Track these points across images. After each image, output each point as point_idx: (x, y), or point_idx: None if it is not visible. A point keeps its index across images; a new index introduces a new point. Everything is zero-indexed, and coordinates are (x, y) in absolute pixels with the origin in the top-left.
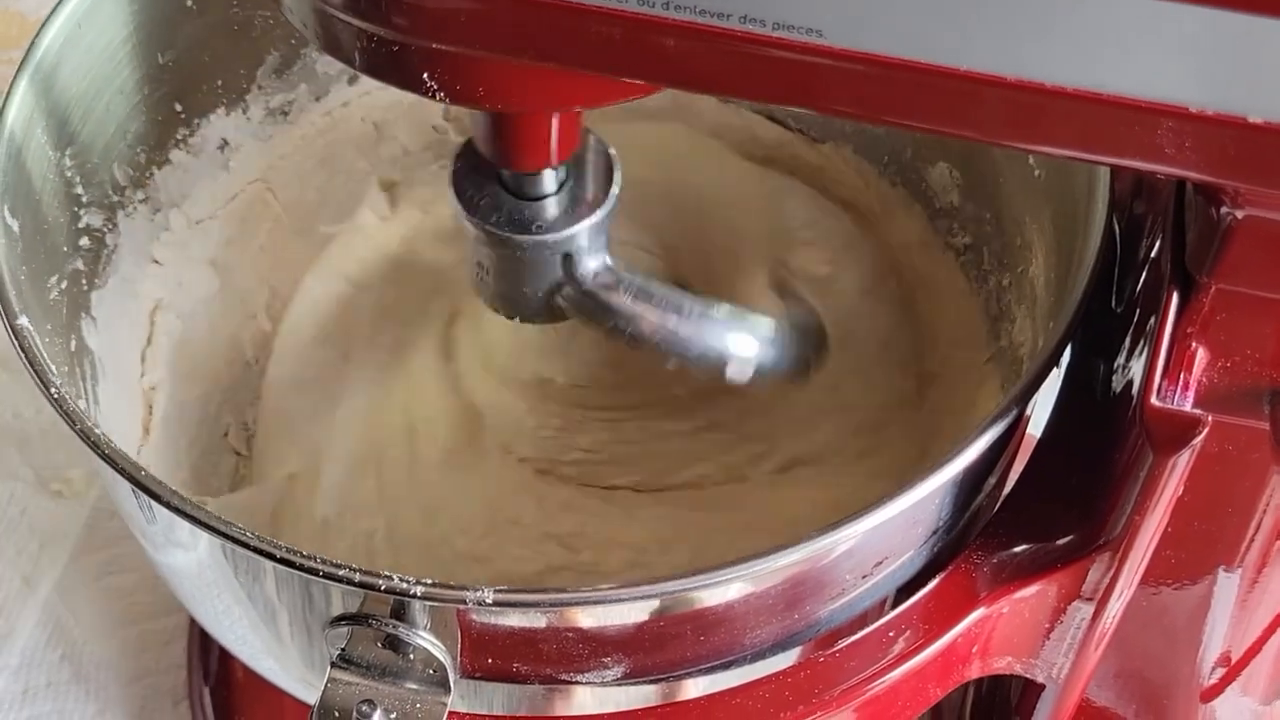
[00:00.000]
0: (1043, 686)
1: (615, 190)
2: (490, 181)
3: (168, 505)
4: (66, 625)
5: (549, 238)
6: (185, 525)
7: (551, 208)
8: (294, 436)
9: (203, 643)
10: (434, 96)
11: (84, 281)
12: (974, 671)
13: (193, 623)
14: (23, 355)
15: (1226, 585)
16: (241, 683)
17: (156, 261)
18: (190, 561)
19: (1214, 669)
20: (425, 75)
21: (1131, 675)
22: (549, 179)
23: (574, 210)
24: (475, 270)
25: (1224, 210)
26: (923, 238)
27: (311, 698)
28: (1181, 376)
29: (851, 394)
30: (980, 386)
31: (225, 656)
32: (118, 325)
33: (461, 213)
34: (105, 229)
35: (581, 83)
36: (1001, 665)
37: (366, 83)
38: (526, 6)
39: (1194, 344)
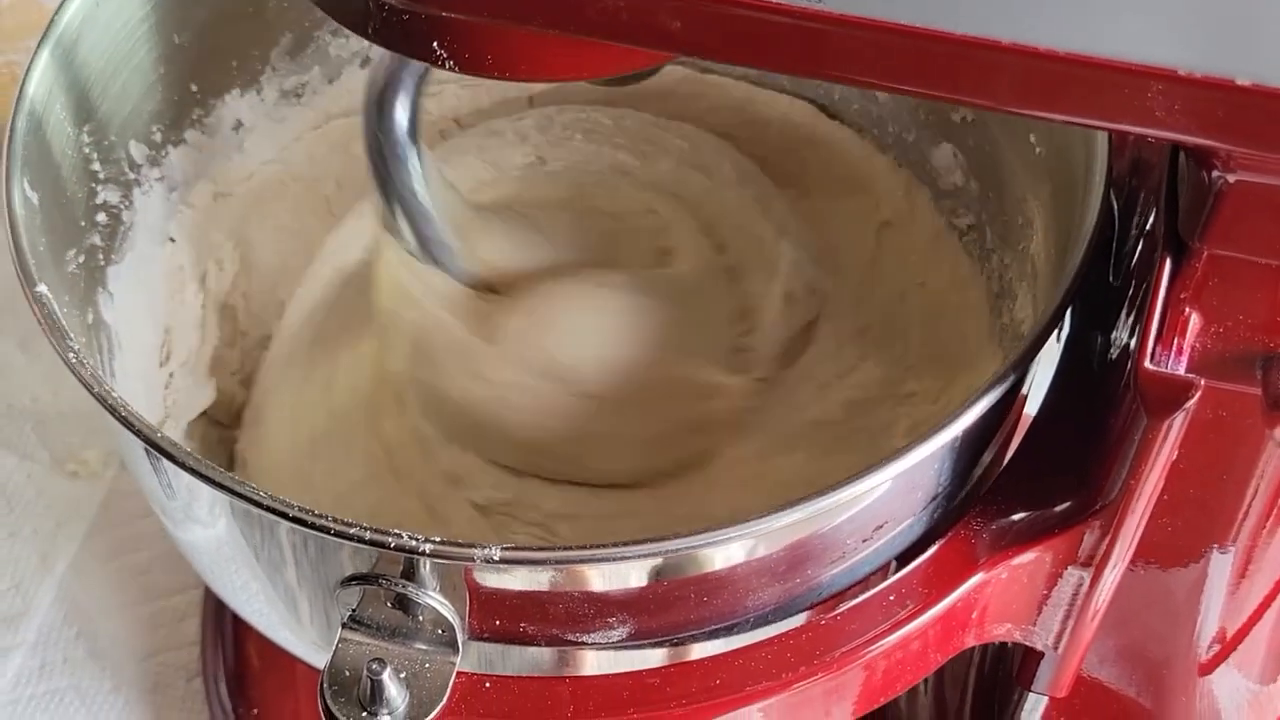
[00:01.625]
0: (1042, 655)
1: None
2: None
3: (181, 465)
4: (82, 603)
5: None
6: (203, 495)
7: None
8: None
9: (216, 620)
10: (444, 65)
11: (101, 257)
12: (973, 638)
13: (206, 600)
14: (43, 321)
15: (1222, 560)
16: (254, 659)
17: (172, 240)
18: (209, 536)
19: (1211, 645)
20: (435, 44)
21: (1130, 651)
22: None
23: None
24: None
25: (1215, 174)
26: (930, 221)
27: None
28: (1175, 341)
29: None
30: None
31: (238, 633)
32: (134, 301)
33: None
34: (122, 206)
35: (590, 51)
36: (1001, 632)
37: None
38: None
39: (1187, 309)
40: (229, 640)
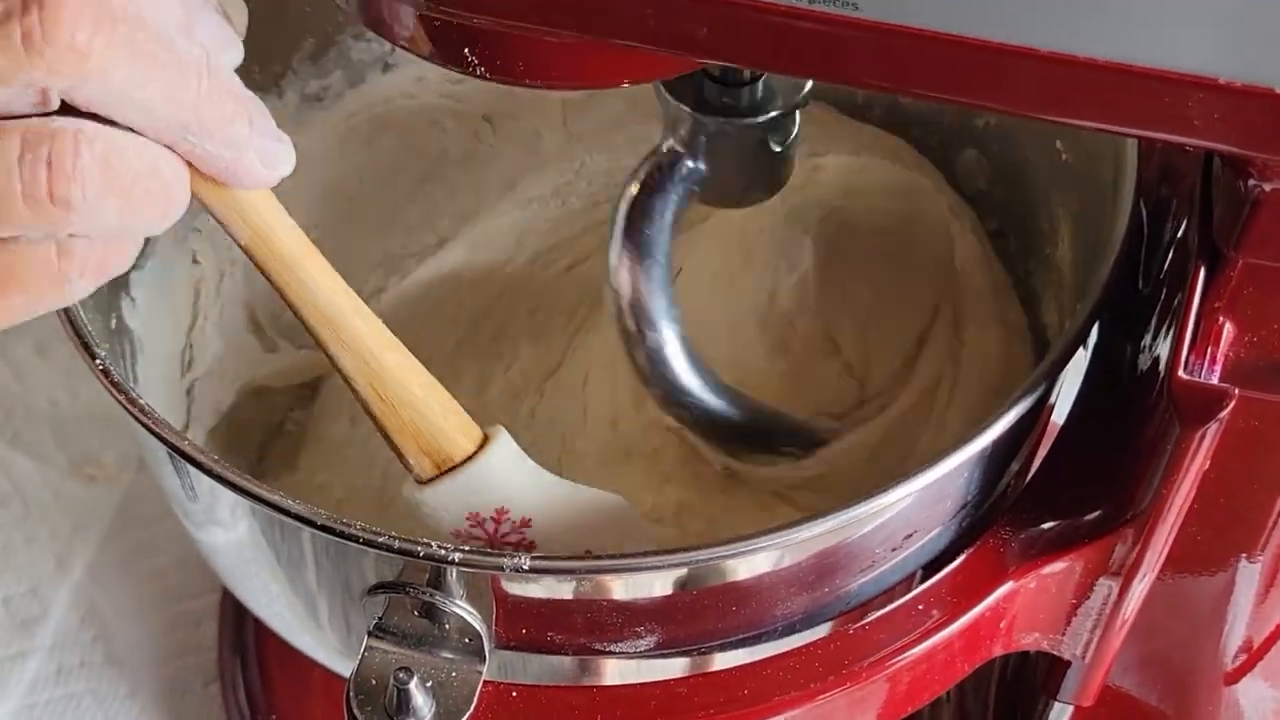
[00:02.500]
0: (1068, 664)
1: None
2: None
3: (208, 472)
4: (99, 607)
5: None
6: (226, 499)
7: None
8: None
9: (234, 624)
10: (475, 73)
11: None
12: (1001, 647)
13: (224, 604)
14: (68, 326)
15: (1249, 570)
16: (272, 663)
17: (197, 260)
18: (230, 539)
19: (1237, 655)
20: (466, 50)
21: (1155, 660)
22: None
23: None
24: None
25: (1251, 183)
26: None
27: (347, 670)
28: (1209, 350)
29: None
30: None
31: (256, 637)
32: (157, 306)
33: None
34: None
35: (622, 58)
36: (1029, 641)
37: (401, 71)
38: None
39: (1221, 318)
40: (247, 645)
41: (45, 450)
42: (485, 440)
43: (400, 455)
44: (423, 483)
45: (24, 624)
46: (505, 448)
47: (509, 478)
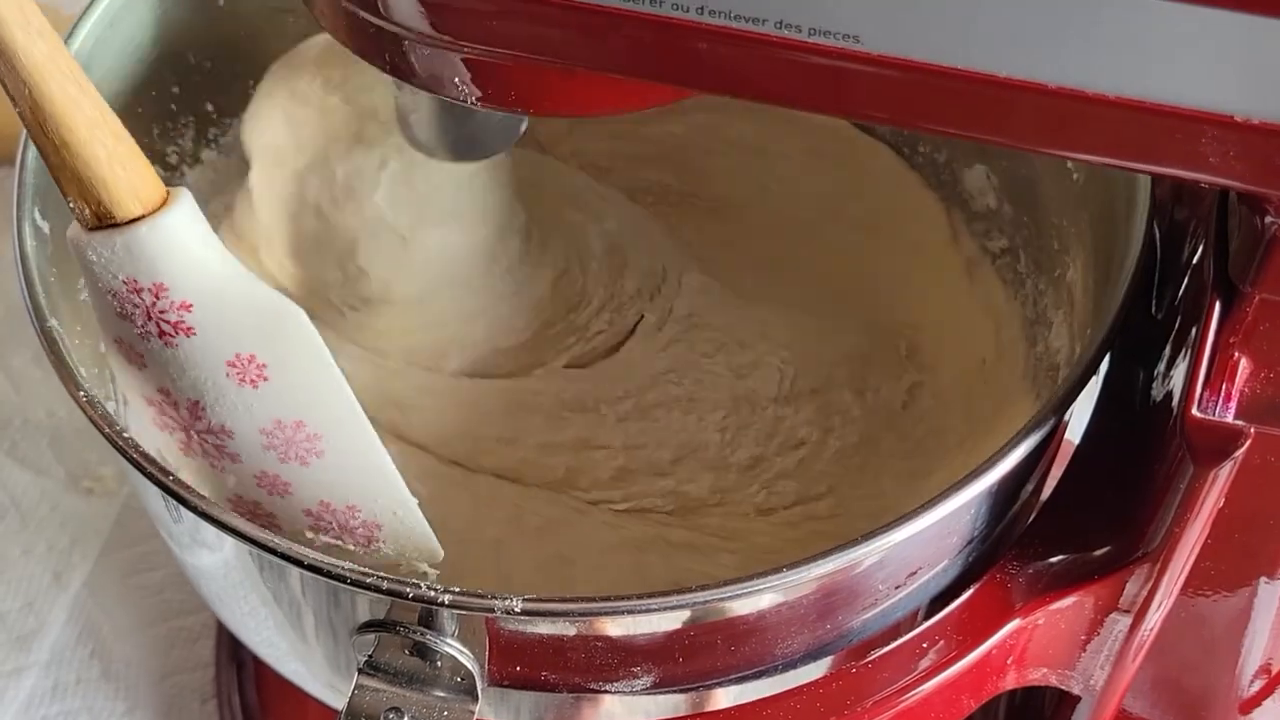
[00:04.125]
0: (1078, 698)
1: None
2: None
3: (194, 509)
4: (96, 622)
5: None
6: (209, 530)
7: None
8: None
9: (231, 641)
10: (464, 100)
11: None
12: (1009, 683)
13: (220, 621)
14: (52, 358)
15: (1267, 596)
16: (269, 681)
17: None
18: (216, 562)
19: (1253, 680)
20: (456, 79)
21: (1168, 685)
22: None
23: None
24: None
25: (1269, 220)
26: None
27: (337, 703)
28: (1223, 387)
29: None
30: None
31: (253, 655)
32: None
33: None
34: None
35: (614, 87)
36: (1037, 677)
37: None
38: (558, 10)
39: (1236, 354)
40: (243, 662)
41: (43, 463)
42: (162, 205)
43: (62, 192)
44: (85, 229)
45: (21, 639)
46: (174, 220)
47: (172, 256)
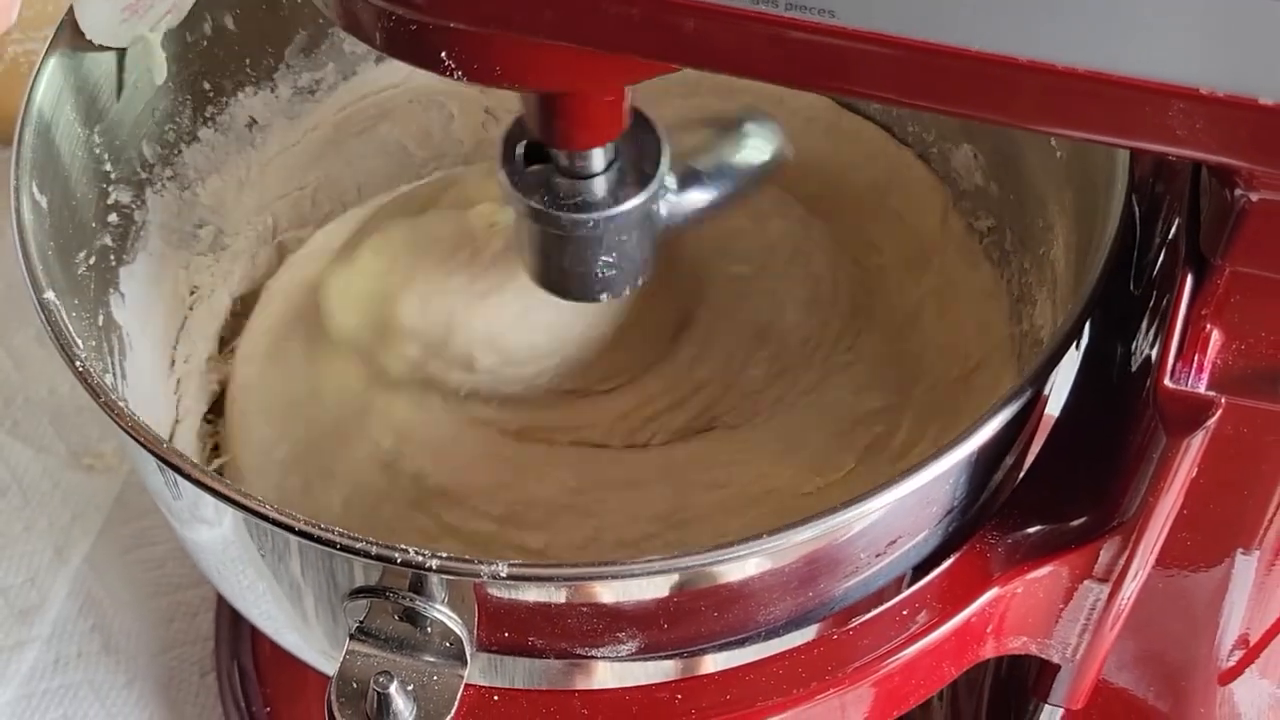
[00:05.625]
0: (1058, 667)
1: (663, 168)
2: (540, 159)
3: (189, 478)
4: (97, 596)
5: (592, 216)
6: (209, 500)
7: (599, 186)
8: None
9: (231, 614)
10: (452, 75)
11: (112, 257)
12: (989, 650)
13: (220, 595)
14: (49, 329)
15: (1245, 567)
16: (268, 654)
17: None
18: (215, 536)
19: (1232, 651)
20: (443, 54)
21: (1149, 657)
22: (597, 157)
23: (620, 189)
24: (520, 248)
25: (1238, 192)
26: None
27: (333, 670)
28: (1195, 358)
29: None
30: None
31: (252, 628)
32: (146, 301)
33: (508, 187)
34: (134, 205)
35: (598, 62)
36: (1017, 645)
37: (393, 65)
38: None
39: (1208, 326)
40: (243, 636)
41: (44, 440)
42: None
43: None
44: None
45: (23, 614)
46: None
47: None
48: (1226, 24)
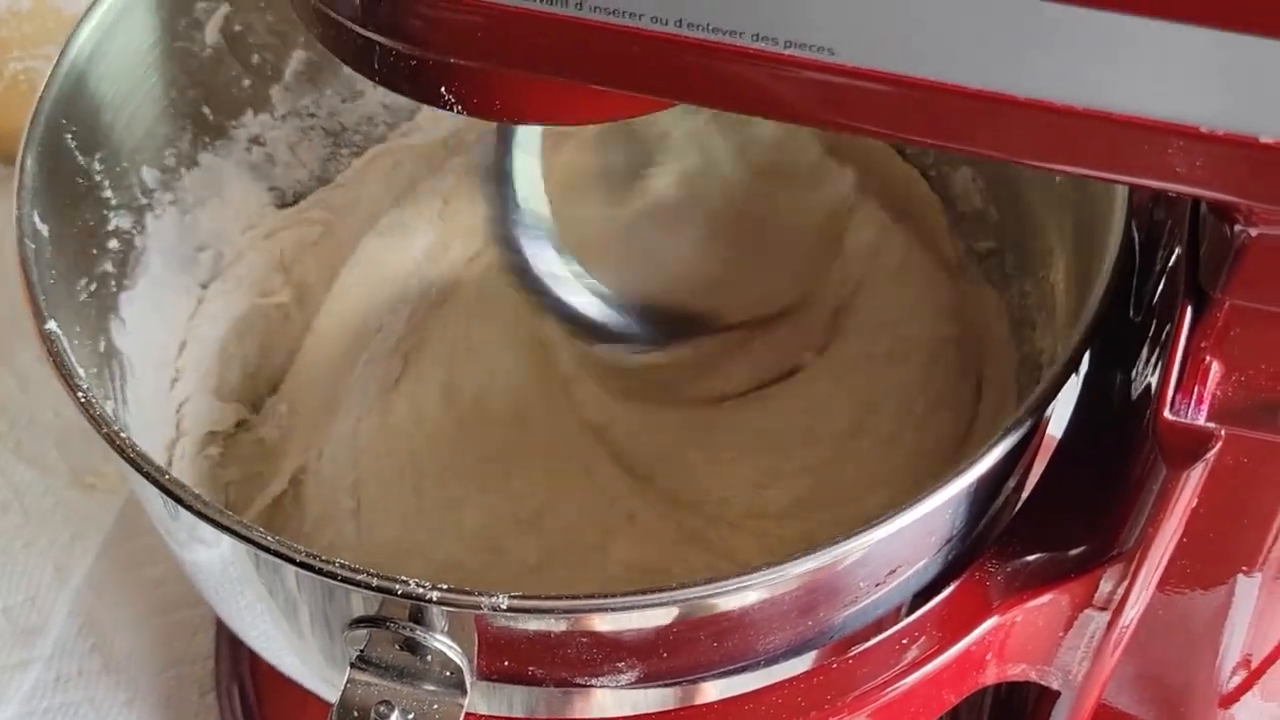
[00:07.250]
0: (1058, 694)
1: None
2: None
3: (190, 509)
4: (97, 615)
5: None
6: (208, 528)
7: None
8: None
9: (230, 633)
10: (451, 109)
11: (113, 283)
12: (989, 678)
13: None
14: (50, 360)
15: (1247, 590)
16: (267, 673)
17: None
18: (214, 559)
19: (1233, 673)
20: (442, 88)
21: (1149, 680)
22: None
23: None
24: None
25: (1237, 228)
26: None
27: (332, 696)
28: (1195, 390)
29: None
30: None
31: (252, 648)
32: (147, 326)
33: None
34: (134, 231)
35: (598, 97)
36: (1017, 672)
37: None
38: (543, 23)
39: (1208, 358)
40: (243, 655)
41: (48, 460)
42: None
43: None
44: None
45: (24, 634)
46: None
47: None
48: (1225, 64)
